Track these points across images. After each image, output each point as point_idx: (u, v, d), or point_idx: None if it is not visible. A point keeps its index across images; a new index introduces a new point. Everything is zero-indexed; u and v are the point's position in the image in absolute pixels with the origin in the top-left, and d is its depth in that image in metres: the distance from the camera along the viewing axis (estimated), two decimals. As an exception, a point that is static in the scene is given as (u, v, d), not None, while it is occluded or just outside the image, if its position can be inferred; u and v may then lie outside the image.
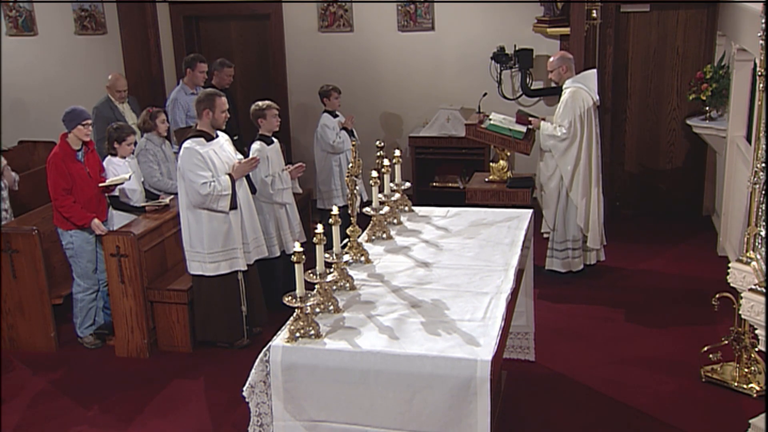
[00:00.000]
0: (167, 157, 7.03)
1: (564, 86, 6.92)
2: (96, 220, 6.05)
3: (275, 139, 6.64)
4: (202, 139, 5.74)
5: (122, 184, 6.29)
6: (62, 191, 5.91)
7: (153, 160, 6.81)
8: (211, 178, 5.64)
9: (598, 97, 6.91)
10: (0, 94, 9.55)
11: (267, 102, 6.57)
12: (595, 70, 7.02)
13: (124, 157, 6.44)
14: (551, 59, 7.07)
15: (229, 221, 5.78)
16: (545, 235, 7.06)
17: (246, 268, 5.97)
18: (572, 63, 7.04)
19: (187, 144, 5.71)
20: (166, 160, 7.00)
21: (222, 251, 5.79)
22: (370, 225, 4.85)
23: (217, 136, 5.86)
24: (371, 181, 4.68)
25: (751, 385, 5.18)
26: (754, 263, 4.91)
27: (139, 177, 6.65)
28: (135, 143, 6.63)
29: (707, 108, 7.84)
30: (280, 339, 3.61)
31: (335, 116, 7.80)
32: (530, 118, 7.07)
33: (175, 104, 7.69)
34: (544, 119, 7.02)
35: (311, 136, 9.34)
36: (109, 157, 6.40)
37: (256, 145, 6.41)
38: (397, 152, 5.12)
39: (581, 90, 6.80)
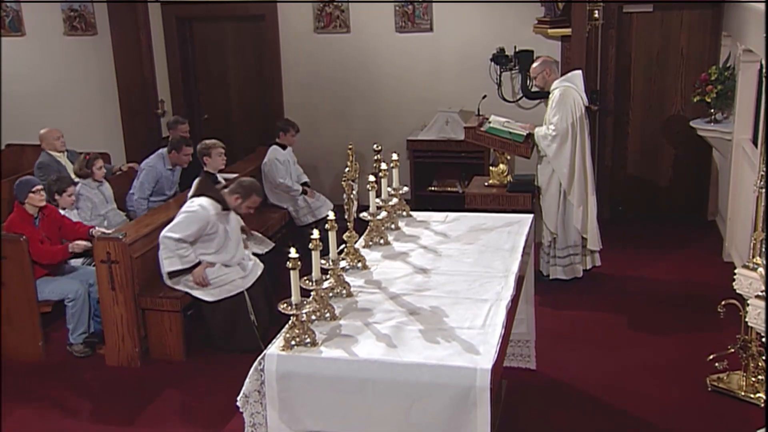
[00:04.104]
0: (107, 198, 7.17)
1: (552, 88, 6.94)
2: (71, 243, 6.19)
3: (220, 178, 6.95)
4: (219, 206, 5.99)
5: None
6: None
7: (90, 207, 6.96)
8: (191, 243, 5.91)
9: (586, 98, 6.93)
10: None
11: (213, 141, 6.88)
12: (580, 71, 7.02)
13: (65, 209, 6.56)
14: (533, 65, 7.09)
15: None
16: (545, 242, 7.04)
17: (248, 286, 6.13)
18: (556, 66, 7.09)
19: (205, 202, 5.96)
20: (106, 202, 7.14)
21: (218, 277, 6.05)
22: (367, 230, 4.85)
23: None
24: (368, 186, 4.69)
25: (758, 395, 5.17)
26: (760, 269, 4.91)
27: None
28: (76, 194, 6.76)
29: (712, 110, 7.85)
30: (275, 347, 3.61)
31: (284, 149, 8.07)
32: (527, 124, 7.12)
33: (150, 170, 7.58)
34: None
35: (307, 138, 9.37)
36: None
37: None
38: (395, 156, 5.12)
39: (571, 89, 6.81)
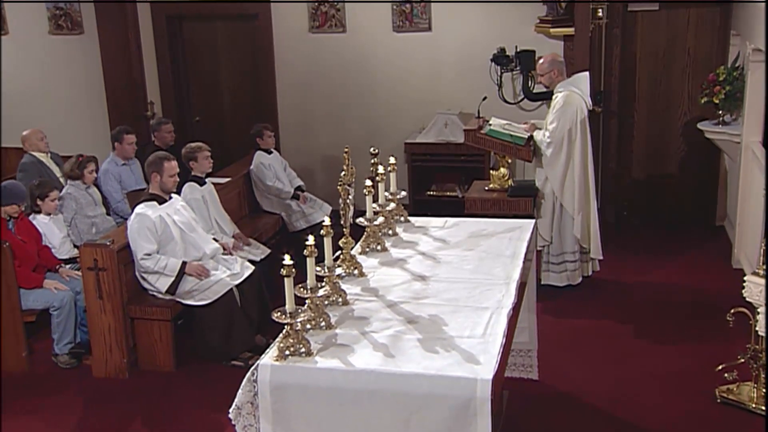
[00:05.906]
0: (95, 201, 7.20)
1: (556, 90, 6.95)
2: (47, 281, 6.22)
3: (207, 180, 6.95)
4: (154, 203, 6.02)
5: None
6: None
7: (75, 207, 6.98)
8: (156, 251, 5.91)
9: (591, 102, 6.94)
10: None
11: (198, 144, 6.90)
12: (587, 73, 7.04)
13: (49, 214, 6.60)
14: (541, 62, 7.08)
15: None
16: (539, 247, 7.05)
17: (237, 283, 6.10)
18: (564, 66, 7.08)
19: (138, 209, 5.99)
20: (94, 204, 7.17)
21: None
22: (363, 236, 4.85)
23: (170, 198, 6.14)
24: (365, 190, 4.69)
25: (768, 406, 5.17)
26: None
27: (62, 229, 6.77)
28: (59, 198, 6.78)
29: (720, 112, 7.87)
30: (269, 357, 3.60)
31: (270, 153, 8.13)
32: (526, 124, 7.13)
33: (106, 175, 7.67)
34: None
35: (302, 141, 9.38)
36: (32, 214, 6.53)
37: (186, 189, 6.65)
38: (392, 159, 5.12)
39: (575, 95, 6.82)
